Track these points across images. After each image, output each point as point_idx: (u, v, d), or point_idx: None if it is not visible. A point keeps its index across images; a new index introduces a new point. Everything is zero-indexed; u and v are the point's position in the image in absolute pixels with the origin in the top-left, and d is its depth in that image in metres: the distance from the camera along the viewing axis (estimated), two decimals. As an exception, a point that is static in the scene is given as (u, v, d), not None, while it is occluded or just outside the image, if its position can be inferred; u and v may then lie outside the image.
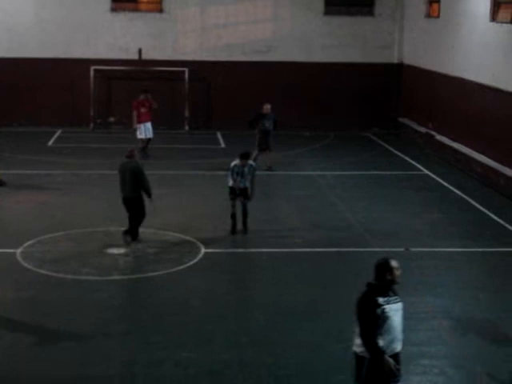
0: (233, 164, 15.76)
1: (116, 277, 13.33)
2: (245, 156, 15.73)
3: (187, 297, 12.59)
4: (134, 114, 23.31)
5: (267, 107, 21.62)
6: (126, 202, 14.92)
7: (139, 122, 23.17)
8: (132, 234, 14.92)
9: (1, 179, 19.12)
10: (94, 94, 27.86)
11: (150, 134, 23.30)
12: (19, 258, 14.05)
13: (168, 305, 12.27)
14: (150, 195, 14.86)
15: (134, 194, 14.80)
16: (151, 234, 15.62)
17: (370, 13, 28.94)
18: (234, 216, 15.80)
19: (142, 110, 23.24)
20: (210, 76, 28.28)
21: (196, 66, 28.03)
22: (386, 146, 26.22)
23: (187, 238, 15.47)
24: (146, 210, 14.97)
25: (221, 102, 28.47)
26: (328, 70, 28.49)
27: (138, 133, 23.28)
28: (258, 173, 16.45)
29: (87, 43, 27.88)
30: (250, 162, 15.99)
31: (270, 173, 21.21)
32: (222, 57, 28.39)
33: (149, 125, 23.25)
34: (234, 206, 15.84)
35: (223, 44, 28.47)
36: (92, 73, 27.68)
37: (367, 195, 19.42)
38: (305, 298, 12.57)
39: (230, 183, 15.86)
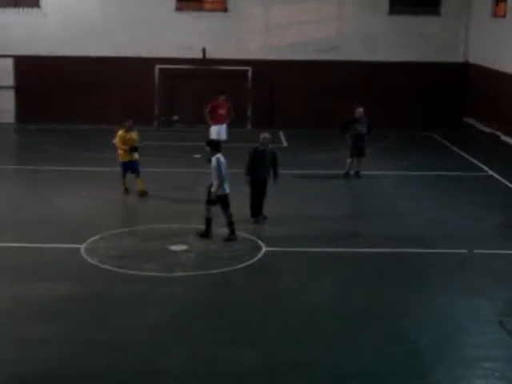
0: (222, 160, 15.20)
1: (178, 273, 13.44)
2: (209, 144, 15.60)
3: (247, 295, 12.64)
4: (208, 113, 22.93)
5: (359, 111, 20.89)
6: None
7: (215, 123, 22.94)
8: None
9: (143, 189, 18.58)
10: (159, 92, 28.16)
11: (223, 136, 22.82)
12: (83, 254, 14.28)
13: (228, 302, 12.32)
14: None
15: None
16: (213, 231, 15.69)
17: (436, 12, 28.62)
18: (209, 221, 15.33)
19: (220, 111, 22.98)
20: (273, 75, 28.30)
21: (259, 65, 28.09)
22: (450, 146, 25.87)
23: (248, 236, 15.52)
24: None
25: (284, 101, 28.48)
26: (392, 70, 28.27)
27: (211, 133, 22.91)
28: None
29: (152, 42, 28.19)
30: (218, 155, 15.21)
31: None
32: (286, 56, 28.40)
33: (224, 127, 23.03)
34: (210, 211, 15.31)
35: (287, 43, 28.49)
36: (157, 72, 27.98)
37: (430, 196, 19.20)
38: (366, 299, 12.48)
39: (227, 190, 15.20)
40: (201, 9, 28.79)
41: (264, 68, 28.12)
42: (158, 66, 27.93)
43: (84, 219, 16.50)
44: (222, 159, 15.24)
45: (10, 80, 28.53)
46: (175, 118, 28.54)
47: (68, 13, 27.99)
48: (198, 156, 23.31)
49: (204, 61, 28.08)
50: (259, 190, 16.45)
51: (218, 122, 22.94)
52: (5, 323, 11.29)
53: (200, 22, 28.39)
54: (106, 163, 21.65)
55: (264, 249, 14.75)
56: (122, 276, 13.28)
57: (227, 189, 15.21)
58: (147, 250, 14.55)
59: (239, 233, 15.57)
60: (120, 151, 18.66)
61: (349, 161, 20.92)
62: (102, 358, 10.29)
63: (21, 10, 28.07)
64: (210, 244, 14.98)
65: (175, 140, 26.15)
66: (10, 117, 28.70)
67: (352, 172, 20.94)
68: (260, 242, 15.08)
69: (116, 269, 13.54)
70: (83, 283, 12.95)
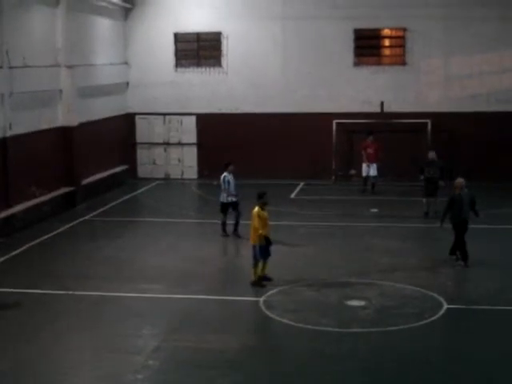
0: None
1: (355, 329, 13.18)
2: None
3: (427, 353, 12.14)
4: (363, 153, 25.74)
5: None
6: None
7: (365, 161, 25.67)
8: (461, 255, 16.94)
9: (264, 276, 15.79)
10: (336, 146, 28.24)
11: (374, 173, 25.56)
12: (262, 307, 14.34)
13: (408, 360, 11.89)
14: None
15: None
16: (391, 287, 15.36)
17: None
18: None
19: (369, 150, 25.57)
20: (453, 127, 27.67)
21: (439, 118, 27.59)
22: None
23: (428, 292, 15.03)
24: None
25: (465, 153, 27.73)
26: None
27: (362, 170, 25.83)
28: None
29: (330, 97, 28.41)
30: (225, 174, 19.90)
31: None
32: (467, 107, 27.72)
33: (374, 165, 25.52)
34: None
35: (467, 94, 27.83)
36: (334, 126, 28.11)
37: None
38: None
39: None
40: (379, 63, 28.75)
41: (444, 120, 27.58)
42: (335, 121, 28.06)
43: (263, 272, 16.58)
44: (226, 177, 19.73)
45: (193, 137, 29.61)
46: (353, 171, 28.44)
47: (248, 72, 28.79)
48: (375, 210, 23.10)
49: (382, 114, 27.92)
50: (464, 233, 16.93)
51: (368, 159, 25.58)
52: (187, 373, 11.46)
53: (378, 76, 28.33)
54: (284, 218, 21.80)
55: (445, 306, 14.21)
56: (299, 330, 13.19)
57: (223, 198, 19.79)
58: (324, 305, 14.41)
59: (418, 289, 15.14)
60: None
61: None
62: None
63: (203, 69, 29.22)
64: (388, 300, 14.63)
65: (353, 194, 26.02)
66: (192, 172, 29.76)
67: None
68: (441, 299, 14.55)
69: (293, 323, 13.48)
70: (261, 336, 13.00)
